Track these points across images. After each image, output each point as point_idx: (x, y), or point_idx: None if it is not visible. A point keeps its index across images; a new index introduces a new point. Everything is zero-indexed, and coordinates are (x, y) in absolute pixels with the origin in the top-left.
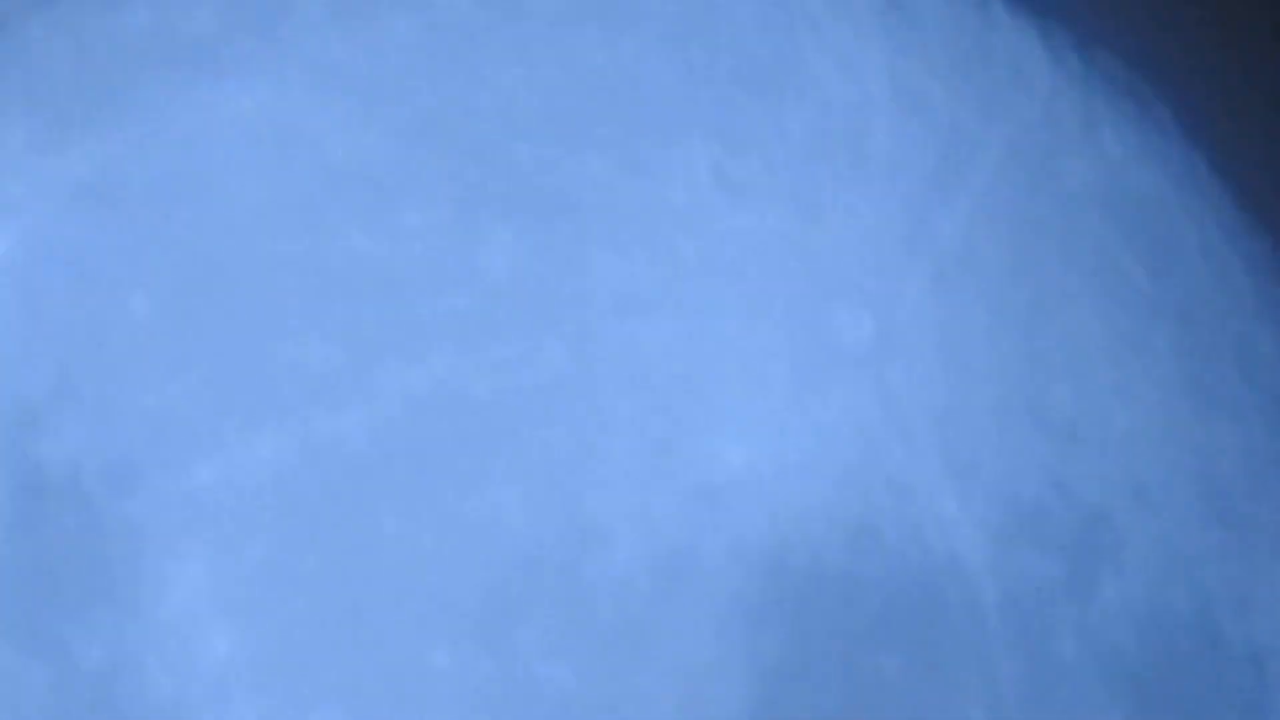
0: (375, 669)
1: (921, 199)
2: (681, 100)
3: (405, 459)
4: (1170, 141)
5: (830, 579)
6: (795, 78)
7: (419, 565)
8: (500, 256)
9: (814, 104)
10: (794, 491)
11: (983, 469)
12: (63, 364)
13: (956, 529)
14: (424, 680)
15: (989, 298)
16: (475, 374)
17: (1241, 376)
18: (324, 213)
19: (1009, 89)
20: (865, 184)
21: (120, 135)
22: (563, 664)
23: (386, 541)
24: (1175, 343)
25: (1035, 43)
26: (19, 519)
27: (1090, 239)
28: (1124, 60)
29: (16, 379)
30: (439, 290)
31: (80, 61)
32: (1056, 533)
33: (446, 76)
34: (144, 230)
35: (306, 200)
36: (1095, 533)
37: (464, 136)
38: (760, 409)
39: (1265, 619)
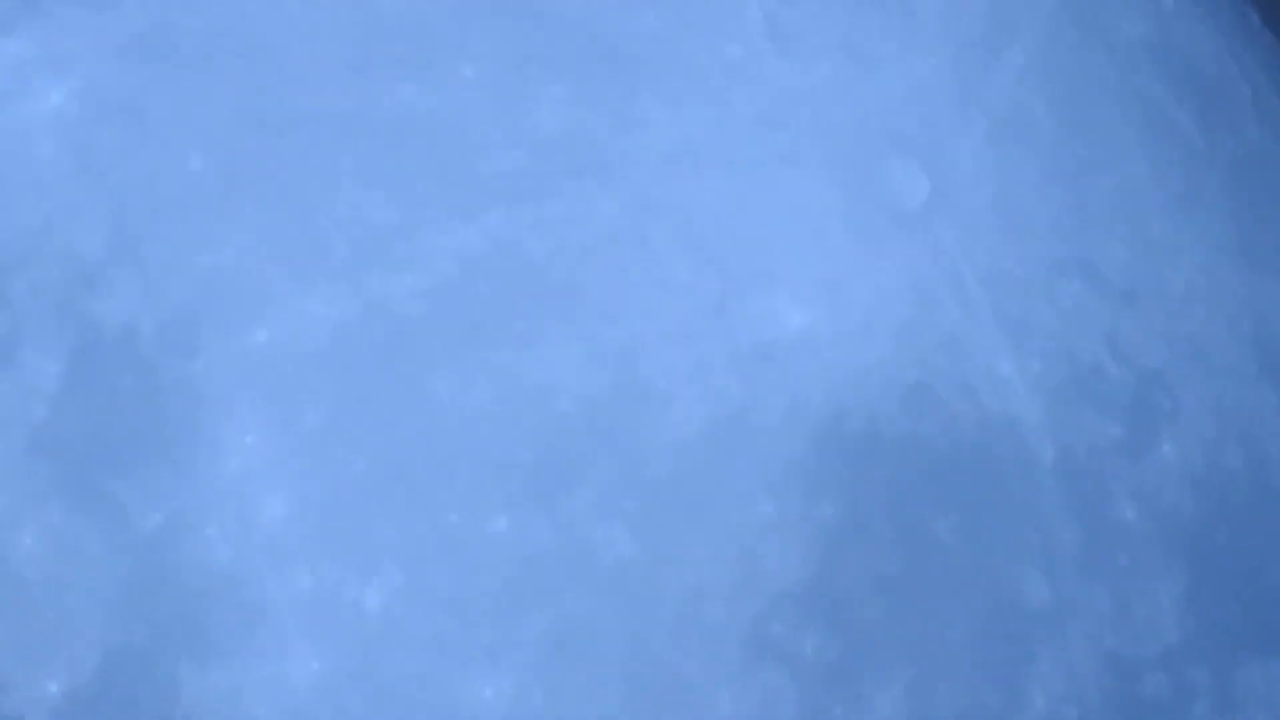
0: (432, 533)
1: (974, 53)
2: None
3: (458, 319)
4: None
5: (886, 440)
6: None
7: (474, 427)
8: (553, 112)
9: None
10: (850, 351)
11: (1037, 329)
12: (117, 222)
13: (1012, 389)
14: (481, 543)
15: (1042, 154)
16: (529, 232)
17: None
18: (375, 68)
19: None
20: (918, 37)
21: None
22: (619, 526)
23: (442, 403)
24: (1228, 199)
25: None
26: (74, 380)
27: (1142, 93)
28: None
29: (70, 238)
30: (492, 147)
31: None
32: (1112, 392)
33: None
34: (198, 86)
35: (358, 55)
36: (1150, 392)
37: None
38: (816, 267)
39: None
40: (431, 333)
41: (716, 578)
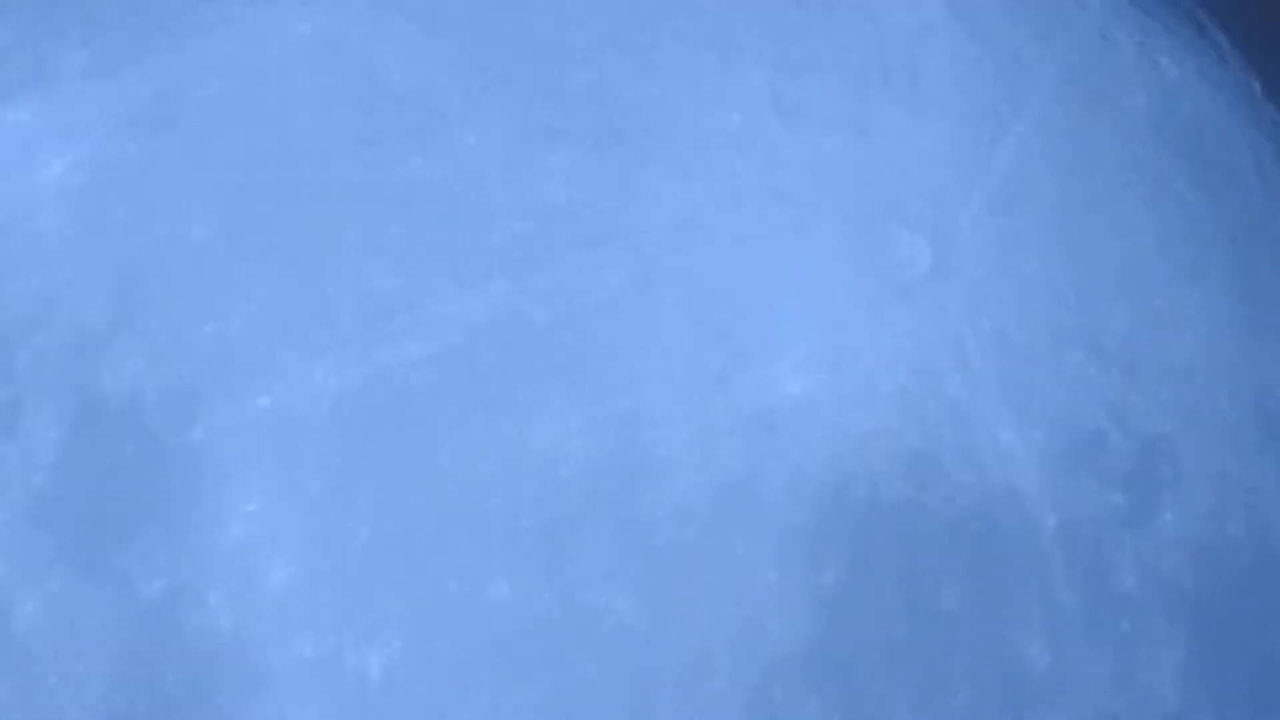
0: (434, 600)
1: (977, 123)
2: (738, 25)
3: (463, 387)
4: (1226, 66)
5: (889, 508)
6: (851, 1)
7: (477, 494)
8: (558, 182)
9: (870, 28)
10: (853, 419)
11: (1040, 397)
12: (121, 291)
13: (1015, 458)
14: (483, 611)
15: (1045, 224)
16: (533, 300)
17: None
18: (381, 138)
19: (1065, 12)
20: (921, 108)
21: (177, 59)
22: (621, 594)
23: (444, 470)
24: (1231, 269)
25: None
26: (78, 448)
27: (1146, 165)
28: None
29: (75, 307)
30: (497, 215)
31: None
32: (1114, 462)
33: (504, 1)
34: (202, 155)
35: (364, 125)
36: (1153, 462)
37: (521, 61)
38: (819, 336)
39: None
40: (435, 401)
41: (719, 644)
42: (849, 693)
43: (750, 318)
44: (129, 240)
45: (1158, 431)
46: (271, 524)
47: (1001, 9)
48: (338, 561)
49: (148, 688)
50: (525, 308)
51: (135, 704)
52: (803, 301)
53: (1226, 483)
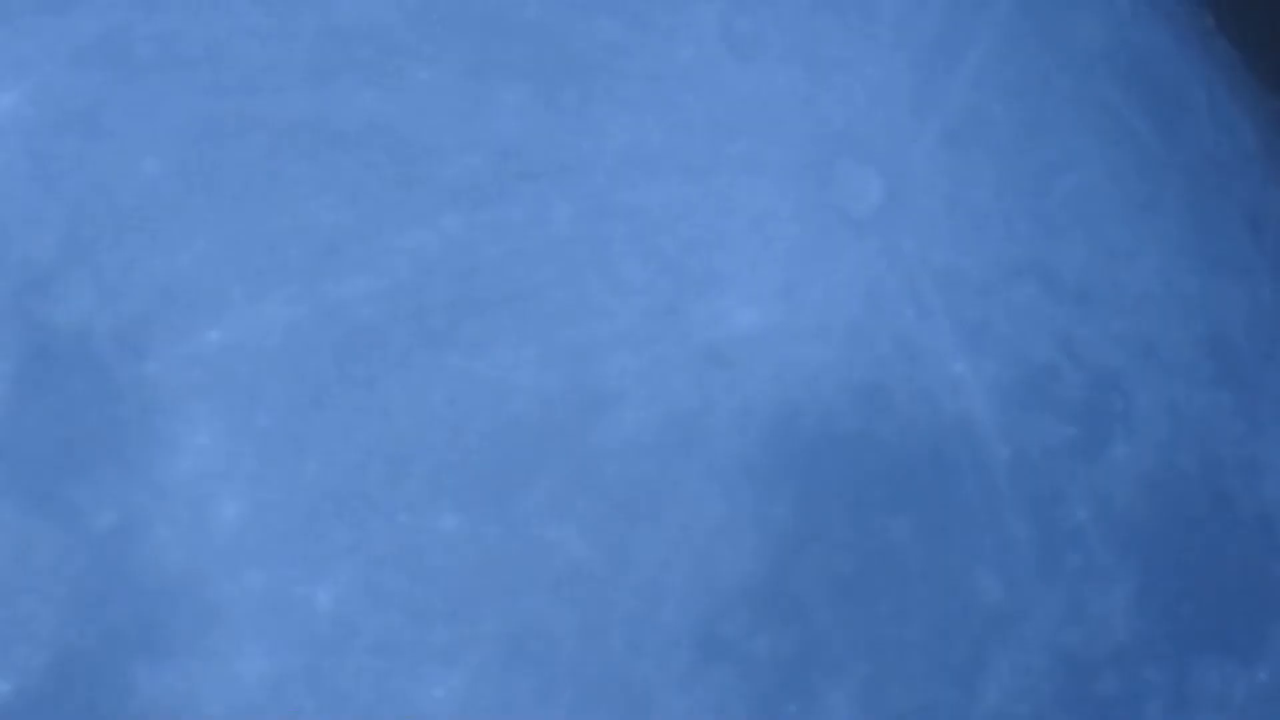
0: (383, 534)
1: (929, 58)
2: None
3: (413, 321)
4: None
5: (840, 441)
6: None
7: (426, 429)
8: (509, 118)
9: None
10: (803, 353)
11: (992, 330)
12: (72, 226)
13: (967, 391)
14: (432, 545)
15: (997, 158)
16: (483, 235)
17: (1250, 236)
18: (332, 74)
19: None
20: (873, 42)
21: None
22: (571, 527)
23: (394, 405)
24: (1184, 203)
25: None
26: (28, 383)
27: (1099, 98)
28: None
29: (25, 241)
30: (447, 151)
31: None
32: (1066, 394)
33: None
34: (153, 89)
35: (315, 60)
36: (1105, 395)
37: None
38: (769, 270)
39: (1274, 481)
40: (385, 335)
41: (669, 578)
42: (800, 626)
43: (700, 251)
44: (79, 175)
45: (1110, 364)
46: (222, 457)
47: None
48: (288, 495)
49: (97, 621)
50: (475, 242)
51: (84, 637)
52: (753, 235)
53: (1179, 415)
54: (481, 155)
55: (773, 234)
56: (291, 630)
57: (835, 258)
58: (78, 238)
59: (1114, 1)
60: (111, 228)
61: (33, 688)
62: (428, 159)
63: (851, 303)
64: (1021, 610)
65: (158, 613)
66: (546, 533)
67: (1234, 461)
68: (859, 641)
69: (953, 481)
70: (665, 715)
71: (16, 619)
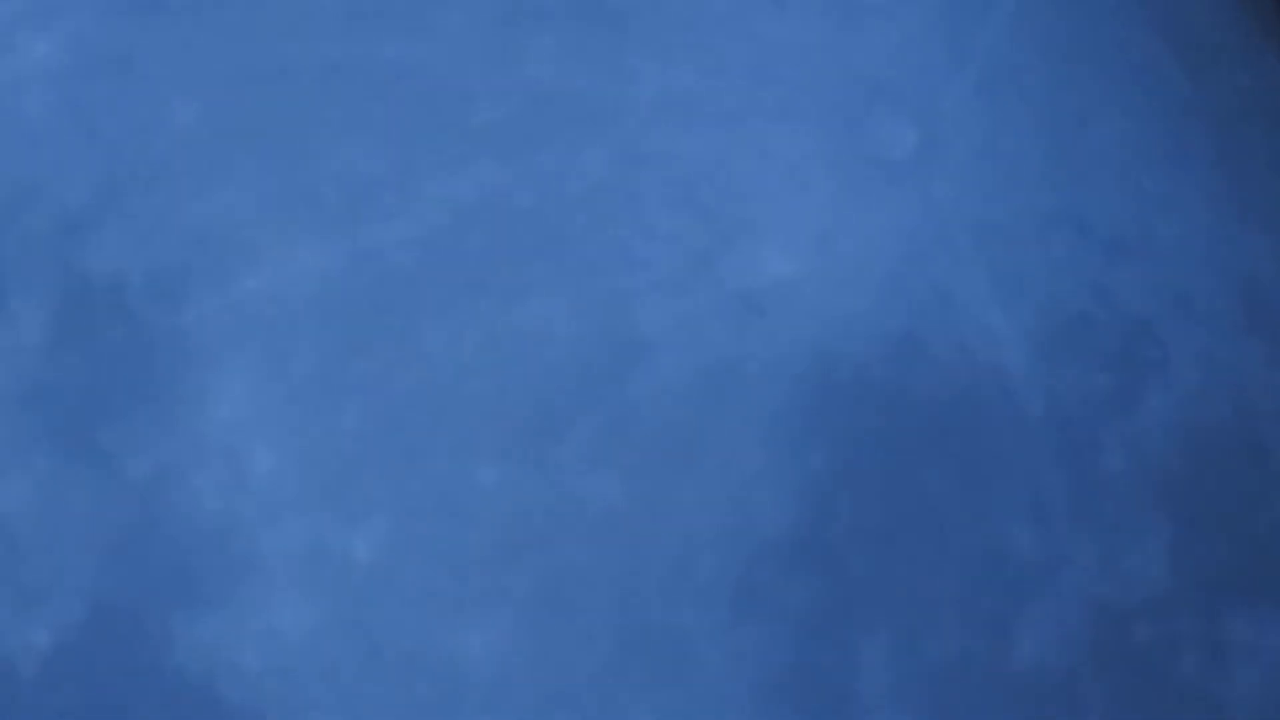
0: (421, 483)
1: (963, 5)
2: None
3: (449, 269)
4: None
5: (875, 390)
6: None
7: (463, 378)
8: (543, 64)
9: None
10: (838, 302)
11: (1027, 280)
12: (107, 173)
13: (1001, 340)
14: (469, 494)
15: (1031, 106)
16: (518, 183)
17: None
18: (366, 19)
19: None
20: None
21: None
22: (608, 476)
23: (431, 354)
24: (1217, 150)
25: None
26: (63, 331)
27: (1131, 45)
28: None
29: (60, 188)
30: (482, 98)
31: None
32: (1101, 344)
33: None
34: (187, 36)
35: (348, 6)
36: (1140, 344)
37: None
38: (804, 218)
39: None
40: (421, 283)
41: (706, 527)
42: (835, 577)
43: (735, 200)
44: (114, 121)
45: (1144, 313)
46: (258, 406)
47: None
48: (324, 444)
49: (134, 572)
50: (510, 189)
51: (122, 588)
52: (787, 183)
53: (1213, 365)
54: (515, 102)
55: (807, 182)
56: (328, 580)
57: (870, 206)
58: (112, 185)
59: None
60: (146, 175)
61: (70, 637)
62: (461, 105)
63: (886, 252)
64: (1056, 561)
65: (194, 563)
66: (583, 482)
67: (1268, 411)
68: (893, 593)
69: (987, 431)
70: (701, 665)
71: (53, 568)
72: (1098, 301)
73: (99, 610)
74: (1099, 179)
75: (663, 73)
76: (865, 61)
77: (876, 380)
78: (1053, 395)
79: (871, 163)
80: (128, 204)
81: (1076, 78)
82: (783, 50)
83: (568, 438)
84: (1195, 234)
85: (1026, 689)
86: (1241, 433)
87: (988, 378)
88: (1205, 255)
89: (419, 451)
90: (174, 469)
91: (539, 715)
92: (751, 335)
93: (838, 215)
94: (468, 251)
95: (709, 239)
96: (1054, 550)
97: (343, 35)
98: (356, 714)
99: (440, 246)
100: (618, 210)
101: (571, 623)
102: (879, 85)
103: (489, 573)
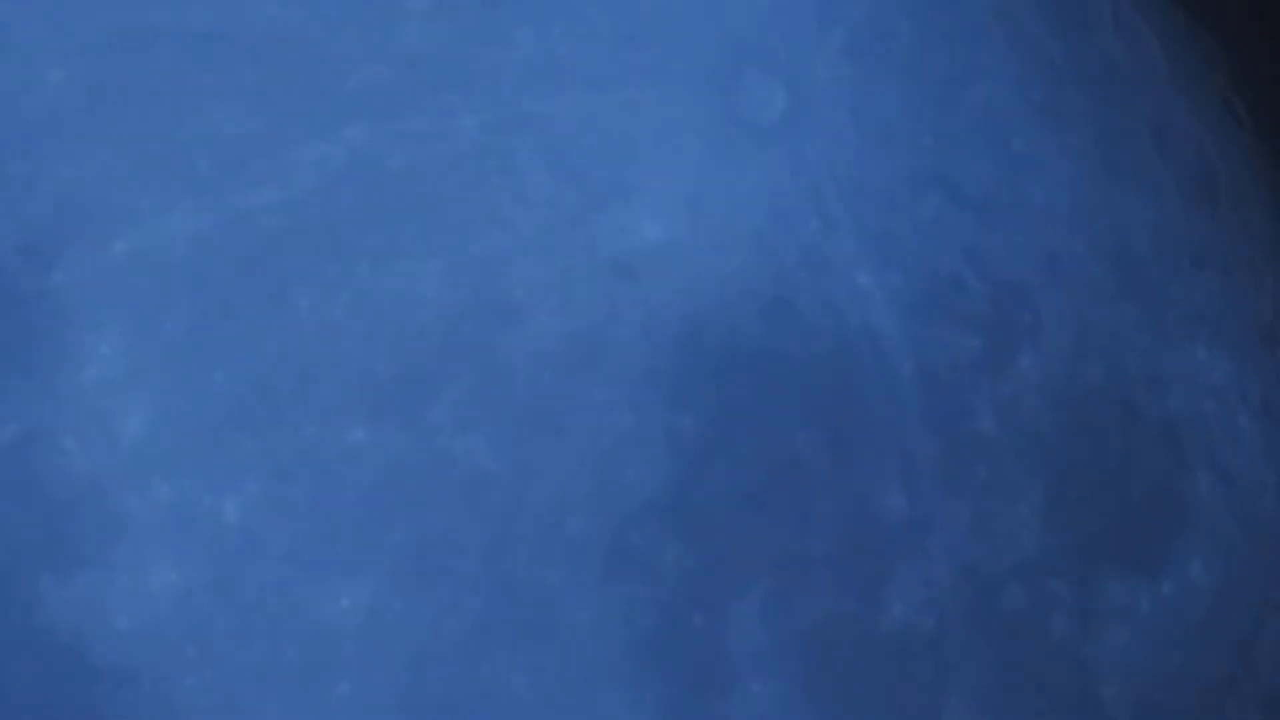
0: (290, 445)
1: None
2: None
3: (319, 232)
4: None
5: (746, 353)
6: None
7: (333, 340)
8: (414, 28)
9: None
10: (709, 265)
11: (897, 243)
12: None
13: (871, 302)
14: (339, 456)
15: (901, 70)
16: (390, 146)
17: (1155, 149)
18: None
19: None
20: None
21: None
22: (477, 438)
23: (301, 315)
24: (1089, 115)
25: None
26: None
27: (1004, 9)
28: None
29: None
30: (355, 63)
31: None
32: (971, 306)
33: None
34: (58, 3)
35: None
36: (1010, 307)
37: None
38: (674, 181)
39: (1176, 392)
40: (292, 245)
41: (575, 489)
42: (706, 539)
43: (606, 163)
44: None
45: (1015, 277)
46: (127, 368)
47: None
48: (194, 406)
49: (3, 531)
50: (381, 152)
51: None
52: (659, 146)
53: (1084, 328)
54: (387, 66)
55: (679, 145)
56: (198, 542)
57: (741, 169)
58: None
59: None
60: (17, 140)
61: None
62: (333, 70)
63: (757, 215)
64: (926, 523)
65: (63, 525)
66: (453, 444)
67: (1139, 374)
68: (764, 554)
69: (858, 394)
70: (571, 625)
71: None
72: (968, 264)
73: None
74: (970, 142)
75: (535, 37)
76: (736, 25)
77: (747, 342)
78: (922, 358)
79: (742, 126)
80: None
81: (947, 43)
82: (654, 14)
83: (438, 400)
84: (1066, 198)
85: (896, 650)
86: (1112, 396)
87: (858, 340)
88: (1076, 219)
89: (288, 413)
90: (44, 431)
91: (409, 675)
92: (622, 298)
93: (708, 178)
94: (339, 214)
95: (580, 203)
96: (924, 512)
97: (216, 1)
98: (226, 674)
99: (311, 209)
100: (489, 174)
101: (441, 583)
102: (749, 49)
103: (358, 534)
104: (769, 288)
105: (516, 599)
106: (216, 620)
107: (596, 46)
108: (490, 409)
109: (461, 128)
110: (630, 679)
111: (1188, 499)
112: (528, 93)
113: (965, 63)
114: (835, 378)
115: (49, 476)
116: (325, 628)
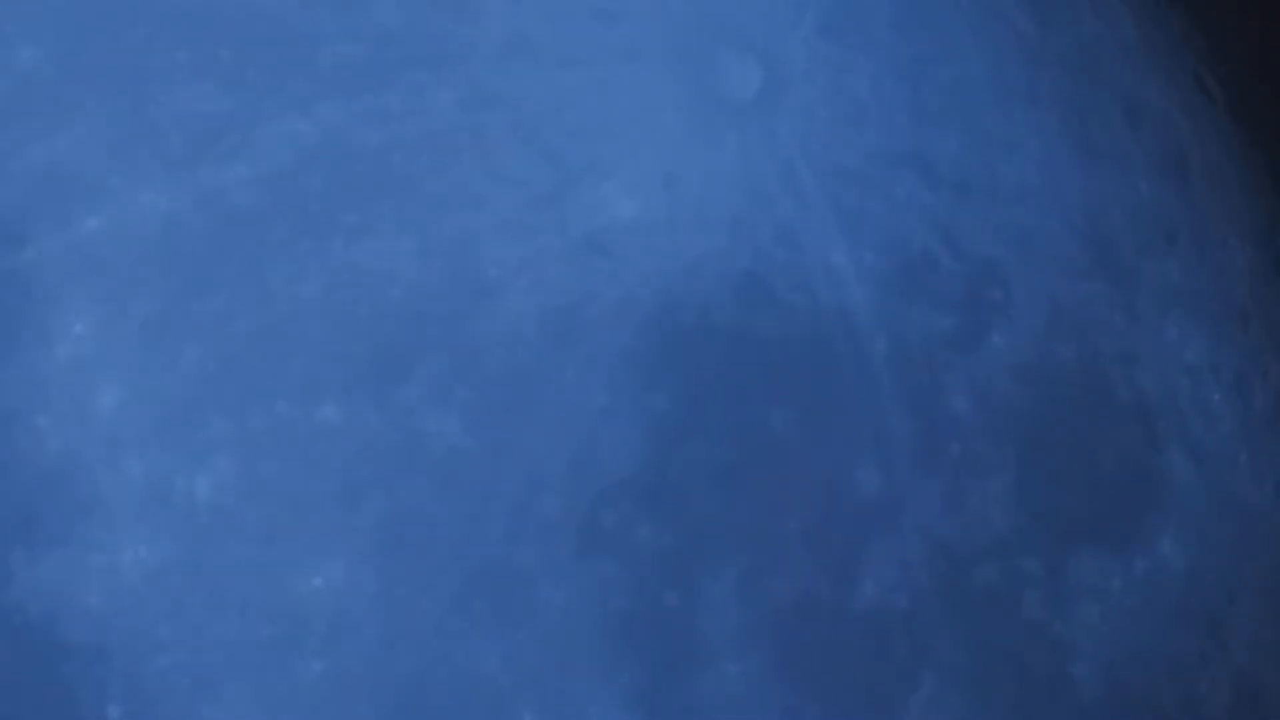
0: (263, 423)
1: None
2: None
3: (292, 210)
4: None
5: (720, 332)
6: None
7: (306, 317)
8: (389, 5)
9: None
10: (683, 243)
11: (871, 221)
12: None
13: (845, 281)
14: (312, 434)
15: (877, 46)
16: (363, 124)
17: (1129, 129)
18: None
19: None
20: None
21: None
22: (451, 416)
23: (273, 293)
24: (1063, 94)
25: None
26: None
27: None
28: None
29: None
30: (328, 39)
31: None
32: (944, 285)
33: None
34: None
35: None
36: (983, 285)
37: None
38: (650, 159)
39: (1150, 372)
40: (264, 223)
41: (549, 467)
42: (680, 517)
43: (581, 140)
44: None
45: (988, 255)
46: (99, 345)
47: None
48: (166, 383)
49: None
50: (354, 130)
51: None
52: (632, 124)
53: (1057, 307)
54: (360, 42)
55: (654, 123)
56: (170, 519)
57: (716, 147)
58: None
59: None
60: None
61: None
62: (306, 46)
63: (732, 193)
64: (899, 501)
65: (35, 502)
66: (426, 422)
67: (1112, 353)
68: (738, 533)
69: (831, 372)
70: (546, 604)
71: None
72: (941, 242)
73: None
74: (943, 121)
75: (509, 13)
76: (711, 3)
77: (721, 321)
78: (896, 336)
79: (718, 104)
80: None
81: (920, 21)
82: None
83: (411, 378)
84: (1040, 176)
85: (870, 629)
86: (1085, 374)
87: (832, 318)
88: (1050, 197)
89: (261, 391)
90: (14, 409)
91: (382, 655)
92: (596, 276)
93: (683, 156)
94: (311, 192)
95: (555, 180)
96: (897, 490)
97: None
98: (200, 654)
99: (284, 187)
100: (462, 151)
101: (415, 563)
102: (725, 26)
103: (331, 513)
104: (744, 266)
105: (490, 578)
106: (189, 599)
107: (571, 24)
108: (463, 387)
109: (435, 105)
110: (604, 658)
111: (1160, 477)
112: (501, 70)
113: (938, 42)
114: (809, 356)
115: (20, 454)
116: (298, 606)
